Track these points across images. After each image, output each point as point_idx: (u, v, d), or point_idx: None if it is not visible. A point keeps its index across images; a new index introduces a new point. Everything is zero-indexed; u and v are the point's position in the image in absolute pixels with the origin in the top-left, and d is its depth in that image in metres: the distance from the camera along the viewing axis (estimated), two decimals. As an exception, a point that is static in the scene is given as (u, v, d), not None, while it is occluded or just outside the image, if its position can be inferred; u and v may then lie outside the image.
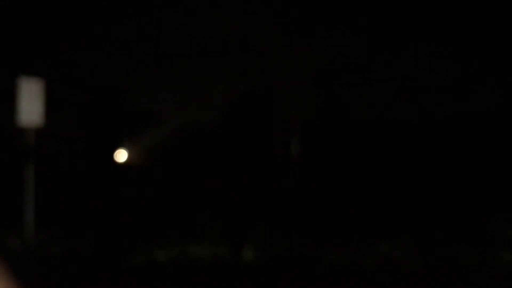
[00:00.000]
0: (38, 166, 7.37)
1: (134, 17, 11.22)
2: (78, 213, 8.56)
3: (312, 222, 8.39)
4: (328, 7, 11.41)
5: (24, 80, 7.03)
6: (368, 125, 10.98)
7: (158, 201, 9.76)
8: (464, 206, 8.51)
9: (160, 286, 6.03)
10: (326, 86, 11.84)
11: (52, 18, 10.47)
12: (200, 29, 11.40)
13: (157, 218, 8.56)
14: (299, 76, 11.67)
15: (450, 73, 10.67)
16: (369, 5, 11.07)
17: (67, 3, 10.52)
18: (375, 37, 11.10)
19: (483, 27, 10.55)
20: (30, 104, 7.05)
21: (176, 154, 11.60)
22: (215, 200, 9.58)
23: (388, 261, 6.67)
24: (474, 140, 9.93)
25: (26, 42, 10.06)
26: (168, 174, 10.94)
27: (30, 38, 10.13)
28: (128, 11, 11.16)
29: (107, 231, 7.52)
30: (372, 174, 9.98)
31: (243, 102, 12.67)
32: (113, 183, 10.39)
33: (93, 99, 11.32)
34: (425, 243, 6.98)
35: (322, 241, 6.99)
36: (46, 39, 10.31)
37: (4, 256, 6.54)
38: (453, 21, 10.72)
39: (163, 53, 11.59)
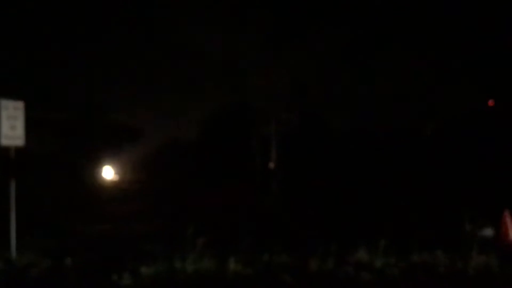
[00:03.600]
0: (22, 186, 7.14)
1: (114, 36, 11.07)
2: (64, 231, 8.31)
3: (293, 232, 8.31)
4: (303, 23, 11.45)
5: (4, 102, 6.86)
6: (345, 135, 11.00)
7: (142, 216, 9.55)
8: (437, 211, 8.53)
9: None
10: (303, 99, 11.84)
11: (31, 38, 10.26)
12: (179, 47, 11.31)
13: (142, 233, 8.36)
14: (276, 90, 11.64)
15: (427, 83, 10.76)
16: (345, 19, 11.14)
17: (46, 24, 10.33)
18: (351, 49, 11.17)
19: (454, 35, 10.68)
20: (11, 125, 6.87)
21: (159, 169, 11.42)
22: (197, 214, 9.43)
23: (367, 267, 6.62)
24: (447, 148, 10.01)
25: (4, 65, 9.84)
26: (152, 189, 10.74)
27: (9, 60, 9.91)
28: (108, 30, 11.01)
29: (94, 248, 7.31)
30: (350, 183, 9.96)
31: (222, 117, 12.58)
32: (100, 200, 10.14)
33: (76, 118, 11.11)
34: (402, 249, 6.96)
35: (303, 250, 6.91)
36: (27, 61, 10.10)
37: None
38: (427, 33, 10.84)
39: (143, 71, 11.45)
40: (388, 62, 10.85)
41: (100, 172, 11.00)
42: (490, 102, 9.98)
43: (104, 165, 11.03)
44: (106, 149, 11.26)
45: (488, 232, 7.62)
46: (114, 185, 10.93)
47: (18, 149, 7.13)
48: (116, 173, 11.21)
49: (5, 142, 6.89)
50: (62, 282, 6.27)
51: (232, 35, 11.48)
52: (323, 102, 11.42)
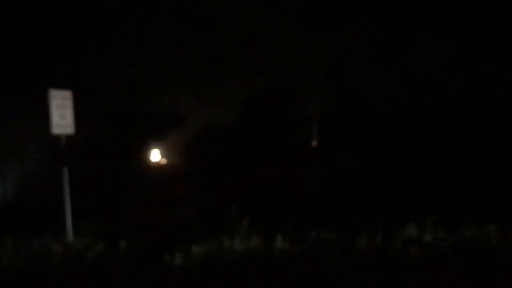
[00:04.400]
0: (76, 172, 7.34)
1: (152, 23, 11.13)
2: (117, 215, 8.52)
3: (338, 209, 8.24)
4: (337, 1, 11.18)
5: (54, 91, 7.04)
6: (385, 111, 10.75)
7: (189, 198, 9.68)
8: (488, 184, 8.27)
9: (201, 281, 5.94)
10: (341, 77, 11.63)
11: (73, 29, 10.43)
12: (216, 30, 11.26)
13: (190, 215, 8.49)
14: (314, 69, 11.47)
15: (462, 55, 10.39)
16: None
17: (86, 15, 10.47)
18: (387, 24, 10.86)
19: (490, 11, 10.25)
20: (61, 115, 7.06)
21: (202, 152, 11.52)
22: (243, 194, 9.49)
23: (416, 242, 6.51)
24: (493, 120, 9.65)
25: (53, 55, 10.05)
26: (198, 171, 10.86)
27: (56, 51, 10.11)
28: (145, 16, 11.07)
29: (146, 231, 7.47)
30: (394, 159, 9.76)
31: (261, 98, 12.52)
32: (149, 182, 10.33)
33: (121, 107, 11.30)
34: (452, 224, 6.80)
35: (351, 227, 6.85)
36: (70, 51, 10.29)
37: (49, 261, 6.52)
38: (460, 5, 10.44)
39: (181, 57, 11.49)
40: (425, 36, 10.51)
41: (147, 158, 11.19)
42: None
43: (152, 149, 11.22)
44: (152, 135, 11.44)
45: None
46: (161, 169, 11.12)
47: (68, 138, 7.32)
48: (163, 157, 11.39)
49: (57, 130, 7.09)
50: (117, 263, 6.43)
51: (268, 14, 11.34)
52: (361, 76, 11.17)
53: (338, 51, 11.29)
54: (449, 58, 10.34)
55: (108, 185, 9.81)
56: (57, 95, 7.03)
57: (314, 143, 11.44)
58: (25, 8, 9.89)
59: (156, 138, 11.49)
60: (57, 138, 7.23)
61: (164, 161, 11.36)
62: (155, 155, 11.27)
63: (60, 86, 7.23)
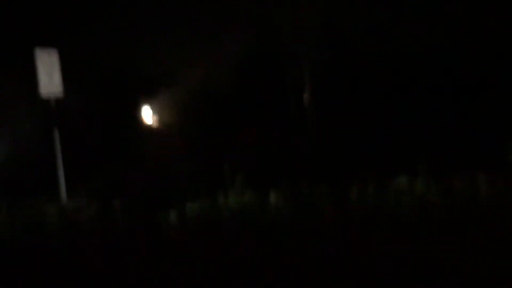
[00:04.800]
0: (66, 135, 7.30)
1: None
2: (108, 175, 8.53)
3: (332, 166, 8.28)
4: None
5: (40, 51, 6.92)
6: (379, 67, 10.64)
7: (184, 158, 9.70)
8: (477, 133, 8.28)
9: (197, 238, 5.97)
10: (334, 36, 11.46)
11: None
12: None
13: (183, 173, 8.51)
14: (306, 29, 11.30)
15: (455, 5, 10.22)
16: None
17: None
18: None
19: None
20: (49, 76, 6.96)
21: (196, 112, 11.46)
22: (235, 152, 9.50)
23: (407, 193, 6.54)
24: (485, 68, 9.59)
25: (39, 14, 9.85)
26: (190, 131, 10.83)
27: (42, 9, 9.91)
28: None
29: (139, 190, 7.49)
30: (386, 112, 9.74)
31: (254, 60, 12.39)
32: (140, 144, 10.33)
33: (112, 72, 11.17)
34: (442, 174, 6.82)
35: (343, 183, 6.88)
36: (57, 10, 10.08)
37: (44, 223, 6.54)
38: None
39: (171, 17, 11.29)
40: None
41: (139, 118, 11.14)
42: None
43: (143, 110, 11.16)
44: (143, 97, 11.36)
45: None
46: (153, 129, 11.09)
47: (58, 101, 7.25)
48: (154, 117, 11.35)
49: (45, 91, 7.02)
50: (112, 223, 6.46)
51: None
52: (355, 36, 11.01)
53: (332, 9, 11.08)
54: (445, 15, 10.18)
55: (100, 145, 9.79)
56: (43, 54, 6.91)
57: (305, 97, 11.37)
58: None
59: (147, 99, 11.41)
60: (46, 100, 7.16)
61: (156, 121, 11.32)
62: (147, 116, 11.21)
63: (51, 47, 7.10)
